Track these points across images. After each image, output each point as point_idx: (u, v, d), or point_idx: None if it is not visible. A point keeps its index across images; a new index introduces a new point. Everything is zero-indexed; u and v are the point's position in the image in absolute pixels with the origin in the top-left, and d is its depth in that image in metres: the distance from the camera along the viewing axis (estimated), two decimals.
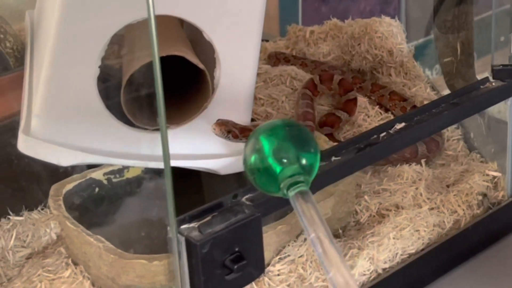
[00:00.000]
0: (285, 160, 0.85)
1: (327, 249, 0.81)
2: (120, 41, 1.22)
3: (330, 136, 1.32)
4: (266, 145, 0.86)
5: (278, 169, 0.85)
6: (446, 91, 1.61)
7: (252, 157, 0.86)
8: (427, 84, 1.55)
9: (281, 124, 0.87)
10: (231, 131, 1.13)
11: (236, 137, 1.14)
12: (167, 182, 0.86)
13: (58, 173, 1.16)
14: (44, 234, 1.18)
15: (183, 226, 0.89)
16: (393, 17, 1.64)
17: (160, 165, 1.10)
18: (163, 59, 0.84)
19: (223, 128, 1.13)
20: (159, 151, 1.11)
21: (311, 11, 2.49)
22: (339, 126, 1.39)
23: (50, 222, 1.19)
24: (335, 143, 1.27)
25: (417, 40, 2.28)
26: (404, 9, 2.47)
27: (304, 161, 0.86)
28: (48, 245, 1.17)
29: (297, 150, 0.86)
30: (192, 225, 0.89)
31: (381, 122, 1.44)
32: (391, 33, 1.58)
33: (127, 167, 1.17)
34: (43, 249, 1.16)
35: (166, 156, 0.85)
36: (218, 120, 1.15)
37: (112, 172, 1.17)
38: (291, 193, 0.85)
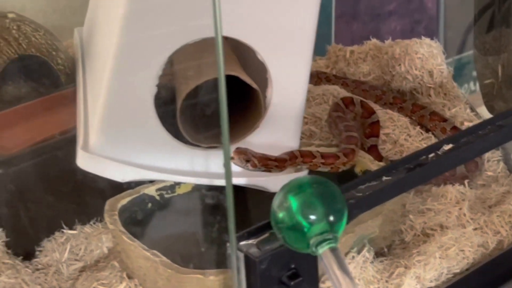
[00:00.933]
0: (313, 218, 0.87)
1: None
2: (173, 63, 1.25)
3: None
4: (294, 203, 0.87)
5: (306, 226, 0.86)
6: (481, 109, 1.64)
7: (280, 214, 0.87)
8: (466, 105, 1.57)
9: (308, 182, 0.89)
10: (249, 160, 1.14)
11: (254, 167, 1.14)
12: (228, 200, 0.89)
13: (110, 188, 1.19)
14: (96, 247, 1.21)
15: (242, 243, 0.92)
16: (430, 37, 1.66)
17: (215, 181, 1.14)
18: (216, 80, 0.86)
19: (242, 157, 1.13)
20: (213, 168, 1.14)
21: (343, 30, 2.51)
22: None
23: (102, 236, 1.22)
24: (380, 162, 1.30)
25: (452, 58, 2.30)
26: (442, 28, 2.48)
27: (332, 218, 0.87)
28: (100, 258, 1.20)
29: (324, 208, 0.87)
30: (250, 241, 0.92)
31: (422, 142, 1.46)
32: (431, 54, 1.60)
33: (179, 184, 1.20)
34: (95, 263, 1.19)
35: (228, 174, 0.88)
36: (237, 148, 1.15)
37: (164, 188, 1.19)
38: (321, 250, 0.86)
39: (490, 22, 1.63)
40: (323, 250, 0.86)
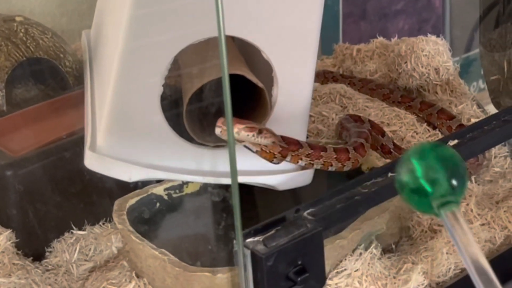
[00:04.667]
0: (435, 181, 0.90)
1: (483, 265, 0.87)
2: (179, 62, 1.26)
3: None
4: (418, 167, 0.90)
5: (429, 189, 0.89)
6: (489, 107, 1.64)
7: (405, 177, 0.91)
8: (473, 102, 1.58)
9: (430, 147, 0.93)
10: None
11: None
12: (234, 197, 0.89)
13: (118, 189, 1.20)
14: (105, 248, 1.22)
15: (248, 240, 0.92)
16: (437, 35, 1.66)
17: (222, 180, 1.14)
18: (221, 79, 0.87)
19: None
20: (220, 167, 1.15)
21: (351, 29, 2.51)
22: None
23: (111, 236, 1.23)
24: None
25: (460, 56, 2.30)
26: (448, 26, 2.49)
27: (453, 182, 0.90)
28: (109, 258, 1.21)
29: (447, 172, 0.90)
30: (257, 238, 0.93)
31: (429, 138, 1.46)
32: (437, 51, 1.61)
33: (187, 183, 1.21)
34: (105, 263, 1.20)
35: (234, 172, 0.89)
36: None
37: (172, 188, 1.20)
38: (443, 212, 0.89)
39: (496, 19, 1.63)
40: (445, 212, 0.89)
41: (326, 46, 1.90)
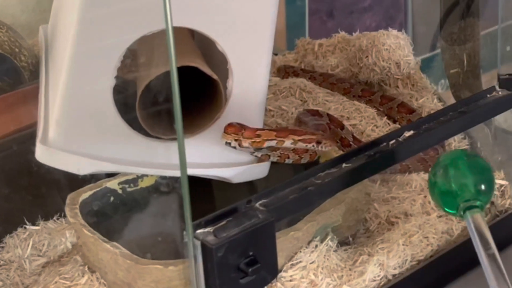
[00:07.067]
0: (463, 186, 1.01)
1: (499, 266, 0.96)
2: (133, 54, 1.24)
3: None
4: (450, 172, 1.02)
5: (458, 193, 1.01)
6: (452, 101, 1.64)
7: (437, 180, 1.03)
8: (434, 95, 1.58)
9: (462, 155, 1.05)
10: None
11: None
12: (184, 188, 0.88)
13: (72, 183, 1.19)
14: (59, 243, 1.20)
15: (198, 231, 0.91)
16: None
17: (175, 173, 1.13)
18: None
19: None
20: (173, 160, 1.13)
21: (317, 27, 2.51)
22: None
23: (65, 231, 1.21)
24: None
25: (424, 55, 2.30)
26: (410, 25, 2.50)
27: (480, 188, 1.01)
28: (63, 254, 1.20)
29: (475, 178, 1.01)
30: (207, 229, 0.92)
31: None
32: (398, 45, 1.60)
33: (141, 177, 1.20)
34: (59, 258, 1.19)
35: (183, 161, 0.88)
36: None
37: (126, 182, 1.19)
38: (467, 215, 0.99)
39: (456, 13, 1.63)
40: (469, 215, 0.99)
41: (291, 43, 1.89)
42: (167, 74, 1.12)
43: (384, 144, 1.09)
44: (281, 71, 1.66)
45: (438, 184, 1.02)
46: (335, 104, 1.51)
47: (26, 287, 1.14)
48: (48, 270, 1.14)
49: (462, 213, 1.00)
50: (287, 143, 1.13)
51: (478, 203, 1.00)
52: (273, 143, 1.14)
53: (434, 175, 1.03)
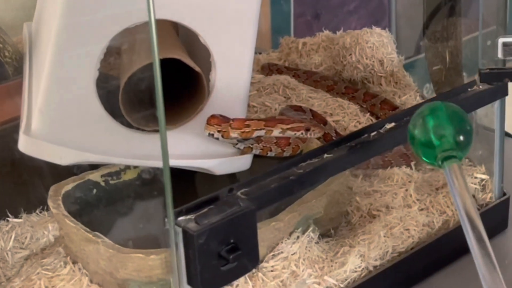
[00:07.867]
0: (442, 136, 0.98)
1: (474, 218, 0.94)
2: (117, 51, 1.25)
3: None
4: (429, 122, 1.00)
5: (436, 143, 0.98)
6: None
7: (416, 131, 1.00)
8: (416, 93, 1.59)
9: (442, 105, 1.01)
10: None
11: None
12: (165, 175, 0.89)
13: (56, 176, 1.19)
14: (42, 236, 1.20)
15: (180, 218, 0.91)
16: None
17: (157, 163, 1.13)
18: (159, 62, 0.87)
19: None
20: (156, 151, 1.14)
21: (302, 28, 2.52)
22: None
23: (48, 224, 1.21)
24: None
25: (408, 59, 2.31)
26: (395, 28, 2.51)
27: (459, 138, 0.99)
28: (46, 246, 1.20)
29: (454, 128, 0.99)
30: (189, 217, 0.92)
31: None
32: (381, 43, 1.62)
33: (124, 170, 1.20)
34: (41, 251, 1.19)
35: (165, 149, 0.88)
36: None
37: (109, 174, 1.19)
38: (445, 165, 0.97)
39: (439, 11, 1.64)
40: (447, 165, 0.97)
41: (276, 45, 1.90)
42: (150, 66, 1.13)
43: (366, 135, 1.10)
44: (265, 69, 1.67)
45: (417, 135, 1.00)
46: (319, 101, 1.52)
47: (8, 279, 1.14)
48: (30, 262, 1.14)
49: (440, 163, 0.98)
50: (276, 132, 1.14)
51: (457, 153, 0.98)
52: (262, 133, 1.15)
53: (413, 126, 1.01)
